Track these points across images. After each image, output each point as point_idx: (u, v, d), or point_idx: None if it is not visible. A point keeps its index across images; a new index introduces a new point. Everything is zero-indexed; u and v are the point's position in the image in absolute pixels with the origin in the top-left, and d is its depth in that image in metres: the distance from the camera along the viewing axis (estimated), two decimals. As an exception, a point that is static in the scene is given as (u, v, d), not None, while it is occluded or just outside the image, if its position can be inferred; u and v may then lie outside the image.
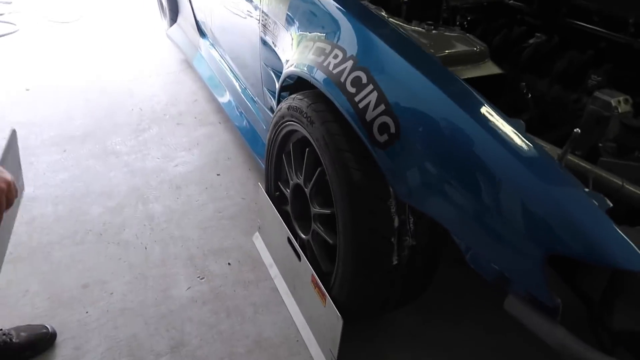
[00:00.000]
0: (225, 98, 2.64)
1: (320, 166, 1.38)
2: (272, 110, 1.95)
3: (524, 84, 1.44)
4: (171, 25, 3.50)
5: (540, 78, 1.57)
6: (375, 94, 1.18)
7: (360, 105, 1.20)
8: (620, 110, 1.29)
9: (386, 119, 1.14)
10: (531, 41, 1.62)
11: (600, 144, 1.23)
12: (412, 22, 1.47)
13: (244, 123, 2.38)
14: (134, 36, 3.90)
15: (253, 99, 2.29)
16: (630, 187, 1.10)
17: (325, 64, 1.34)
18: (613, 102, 1.29)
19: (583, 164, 1.12)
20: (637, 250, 0.84)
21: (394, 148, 1.13)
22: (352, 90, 1.23)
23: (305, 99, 1.42)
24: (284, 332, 1.59)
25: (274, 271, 1.78)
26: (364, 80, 1.21)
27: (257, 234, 1.94)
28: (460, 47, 1.38)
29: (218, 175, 2.33)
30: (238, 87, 2.48)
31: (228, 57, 2.59)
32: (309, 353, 1.51)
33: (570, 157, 1.12)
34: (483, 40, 1.70)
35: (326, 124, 1.31)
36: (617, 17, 1.55)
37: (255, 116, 2.25)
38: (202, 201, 2.15)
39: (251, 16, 1.93)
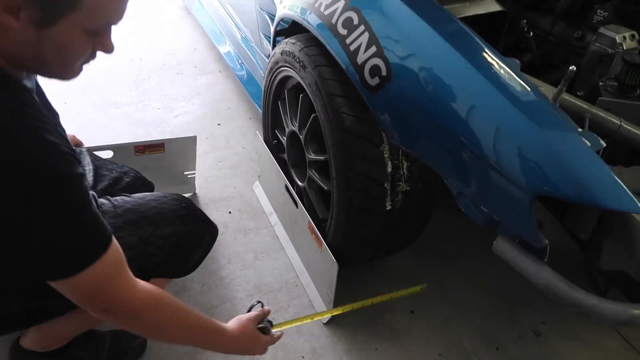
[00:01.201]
0: (224, 47, 2.59)
1: (314, 112, 1.36)
2: (269, 56, 1.91)
3: (524, 21, 1.38)
4: (169, -30, 3.39)
5: (544, 16, 1.50)
6: (366, 36, 1.14)
7: (352, 48, 1.17)
8: (625, 47, 1.24)
9: (377, 61, 1.11)
10: (536, -24, 1.54)
11: (600, 83, 1.19)
12: (409, -42, 1.40)
13: (244, 71, 2.34)
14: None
15: (252, 47, 2.24)
16: (629, 127, 1.07)
17: (316, 5, 1.29)
18: (618, 39, 1.24)
19: (579, 103, 1.09)
20: (627, 190, 0.83)
21: (385, 91, 1.10)
22: (344, 32, 1.19)
23: (298, 43, 1.38)
24: (283, 277, 1.62)
25: (273, 219, 1.80)
26: (355, 21, 1.17)
27: (257, 182, 1.94)
28: (459, -16, 1.31)
29: (219, 124, 2.32)
30: (238, 35, 2.42)
31: (226, 2, 2.51)
32: (308, 297, 1.55)
33: (566, 96, 1.09)
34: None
35: (318, 68, 1.28)
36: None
37: (254, 64, 2.20)
38: (202, 151, 2.15)
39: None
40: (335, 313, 1.38)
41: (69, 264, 0.77)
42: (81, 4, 0.70)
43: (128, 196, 1.13)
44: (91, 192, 0.95)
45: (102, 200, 1.08)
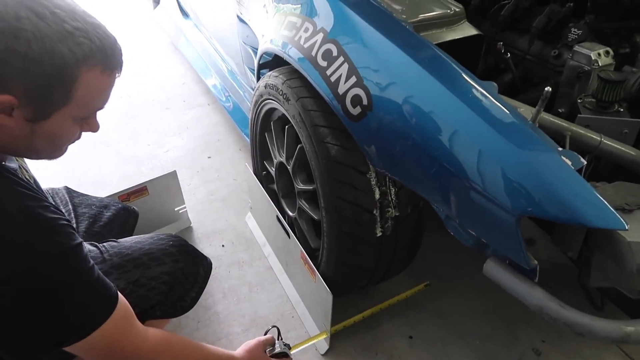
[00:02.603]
0: (211, 80, 2.62)
1: (300, 143, 1.37)
2: (254, 89, 1.93)
3: (500, 43, 1.40)
4: (155, 6, 3.45)
5: (521, 35, 1.53)
6: (346, 66, 1.16)
7: (332, 79, 1.18)
8: (600, 63, 1.26)
9: (358, 91, 1.13)
10: (511, -3, 1.57)
11: (579, 100, 1.21)
12: (384, -12, 1.43)
13: (232, 104, 2.36)
14: (118, 20, 3.84)
15: (238, 79, 2.27)
16: (609, 142, 1.08)
17: (296, 38, 1.31)
18: (593, 56, 1.26)
19: (559, 121, 1.10)
20: (610, 208, 0.83)
21: (367, 120, 1.11)
22: (324, 63, 1.21)
23: (281, 76, 1.40)
24: (279, 309, 1.61)
25: (267, 250, 1.79)
26: (334, 52, 1.19)
27: (249, 214, 1.94)
28: (434, 10, 1.34)
29: (209, 157, 2.33)
30: (224, 68, 2.45)
31: (211, 37, 2.55)
32: (305, 328, 1.53)
33: (545, 115, 1.10)
34: (463, 0, 1.66)
35: (301, 100, 1.30)
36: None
37: (241, 96, 2.23)
38: (193, 185, 2.15)
39: (226, -7, 1.89)
40: (346, 325, 1.49)
41: (82, 328, 0.80)
42: (72, 98, 0.75)
43: (115, 241, 1.13)
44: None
45: (89, 247, 1.08)
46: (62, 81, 0.73)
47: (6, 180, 0.75)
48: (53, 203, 0.83)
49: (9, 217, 0.72)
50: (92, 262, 0.82)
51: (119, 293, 0.87)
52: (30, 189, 0.77)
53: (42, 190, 0.92)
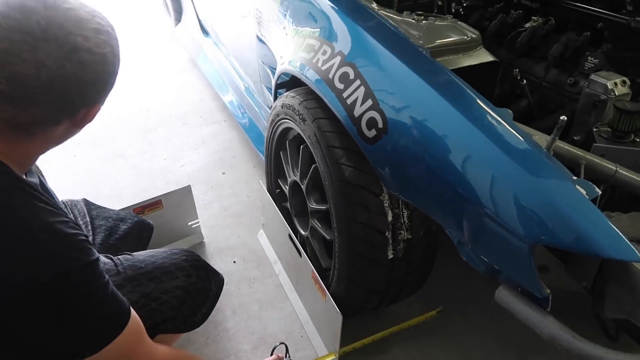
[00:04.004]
0: (229, 96, 2.66)
1: (315, 163, 1.38)
2: (270, 107, 1.96)
3: (516, 70, 1.41)
4: (176, 24, 3.52)
5: (537, 62, 1.54)
6: (362, 90, 1.18)
7: (349, 101, 1.20)
8: (617, 93, 1.26)
9: (374, 114, 1.14)
10: (527, 25, 1.59)
11: (594, 129, 1.21)
12: (402, 13, 1.45)
13: (248, 121, 2.40)
14: (139, 36, 3.93)
15: (255, 97, 2.30)
16: (625, 173, 1.08)
17: (314, 60, 1.34)
18: (609, 85, 1.27)
19: (574, 150, 1.10)
20: (624, 239, 0.82)
21: (382, 143, 1.13)
22: (340, 86, 1.23)
23: (298, 97, 1.42)
24: (288, 327, 1.61)
25: (278, 268, 1.80)
26: (352, 75, 1.21)
27: (261, 231, 1.95)
28: (451, 36, 1.36)
29: (223, 173, 2.36)
30: (241, 85, 2.49)
31: (230, 55, 2.60)
32: (313, 348, 1.53)
33: (560, 144, 1.10)
34: (480, 26, 1.68)
35: (317, 121, 1.31)
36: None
37: (257, 114, 2.26)
38: (207, 200, 2.17)
39: (247, 13, 1.93)
40: (356, 346, 1.49)
41: (95, 341, 0.82)
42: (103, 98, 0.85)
43: (130, 254, 1.14)
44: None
45: (104, 259, 1.10)
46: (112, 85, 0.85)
47: (28, 195, 0.77)
48: (72, 217, 0.85)
49: (30, 231, 0.73)
50: (107, 277, 0.83)
51: (131, 309, 0.88)
52: (50, 204, 0.79)
53: (60, 204, 0.95)
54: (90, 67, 0.76)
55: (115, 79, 0.85)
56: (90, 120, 0.85)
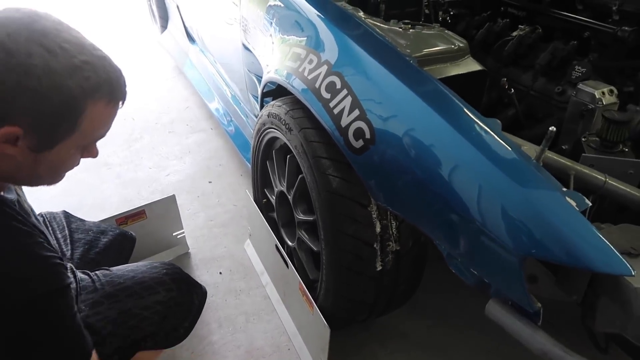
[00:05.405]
0: (215, 104, 2.63)
1: (302, 173, 1.36)
2: (256, 116, 1.93)
3: (504, 79, 1.41)
4: (162, 31, 3.49)
5: (525, 71, 1.54)
6: (349, 99, 1.16)
7: (335, 111, 1.18)
8: (604, 102, 1.26)
9: (361, 124, 1.12)
10: (514, 34, 1.59)
11: (583, 139, 1.20)
12: (389, 22, 1.44)
13: (234, 129, 2.37)
14: (125, 44, 3.89)
15: (241, 105, 2.27)
16: (614, 183, 1.07)
17: (300, 69, 1.32)
18: (597, 94, 1.26)
19: (563, 160, 1.09)
20: (616, 252, 0.81)
21: (370, 153, 1.11)
22: (327, 95, 1.21)
23: (284, 106, 1.40)
24: (275, 340, 1.57)
25: (265, 279, 1.76)
26: (338, 85, 1.19)
27: (248, 241, 1.92)
28: (438, 45, 1.34)
29: (210, 182, 2.32)
30: (228, 93, 2.47)
31: (216, 62, 2.57)
32: (301, 361, 1.50)
33: (549, 154, 1.09)
34: (467, 35, 1.67)
35: (304, 131, 1.29)
36: (601, 5, 1.51)
37: (244, 121, 2.23)
38: (193, 210, 2.14)
39: (233, 21, 1.91)
40: None
41: None
42: (77, 130, 0.75)
43: (108, 269, 1.11)
44: (69, 265, 0.94)
45: (81, 275, 1.06)
46: (68, 114, 0.73)
47: (3, 215, 0.74)
48: (50, 232, 0.82)
49: (2, 253, 0.70)
50: (75, 308, 0.81)
51: (94, 352, 0.85)
52: (26, 224, 0.76)
53: (39, 221, 0.91)
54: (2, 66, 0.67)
55: (45, 104, 0.69)
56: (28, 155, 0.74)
